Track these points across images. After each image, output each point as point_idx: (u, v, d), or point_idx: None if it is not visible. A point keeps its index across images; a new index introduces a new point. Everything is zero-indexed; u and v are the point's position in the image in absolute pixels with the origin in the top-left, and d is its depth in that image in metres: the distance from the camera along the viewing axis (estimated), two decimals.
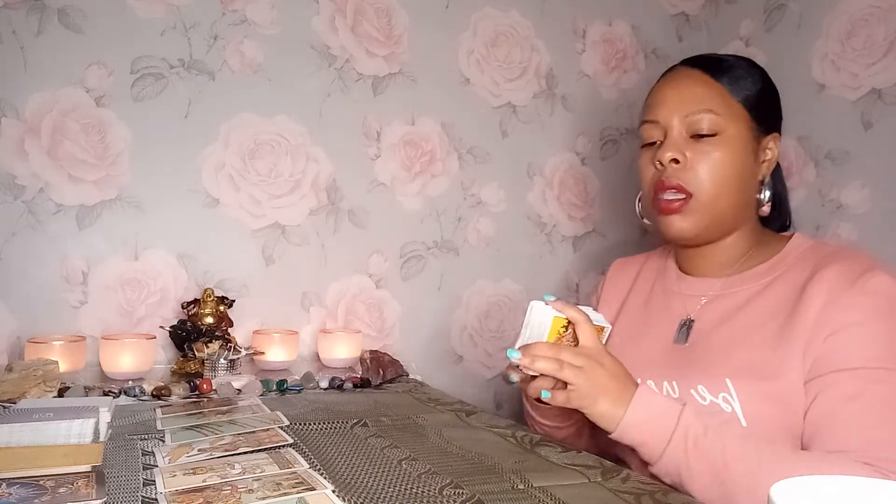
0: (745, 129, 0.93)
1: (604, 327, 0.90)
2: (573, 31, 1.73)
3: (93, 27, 1.33)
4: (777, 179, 1.01)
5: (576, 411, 0.96)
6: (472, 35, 1.63)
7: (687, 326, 0.96)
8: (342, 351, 1.39)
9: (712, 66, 0.95)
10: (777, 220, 1.02)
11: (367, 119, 1.54)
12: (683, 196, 0.92)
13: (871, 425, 0.77)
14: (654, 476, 0.81)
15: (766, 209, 0.96)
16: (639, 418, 0.81)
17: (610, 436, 0.83)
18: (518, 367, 0.86)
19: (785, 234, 0.99)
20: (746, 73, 0.95)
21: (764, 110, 0.95)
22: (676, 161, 0.92)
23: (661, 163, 0.93)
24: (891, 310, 0.81)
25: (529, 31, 1.68)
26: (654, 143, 0.96)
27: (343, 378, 1.17)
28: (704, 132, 0.92)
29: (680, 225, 0.93)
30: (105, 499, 0.59)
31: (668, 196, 0.93)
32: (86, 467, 0.66)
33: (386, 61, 1.55)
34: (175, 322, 1.34)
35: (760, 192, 0.96)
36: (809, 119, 1.53)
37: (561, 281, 1.74)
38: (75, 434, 0.75)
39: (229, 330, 1.34)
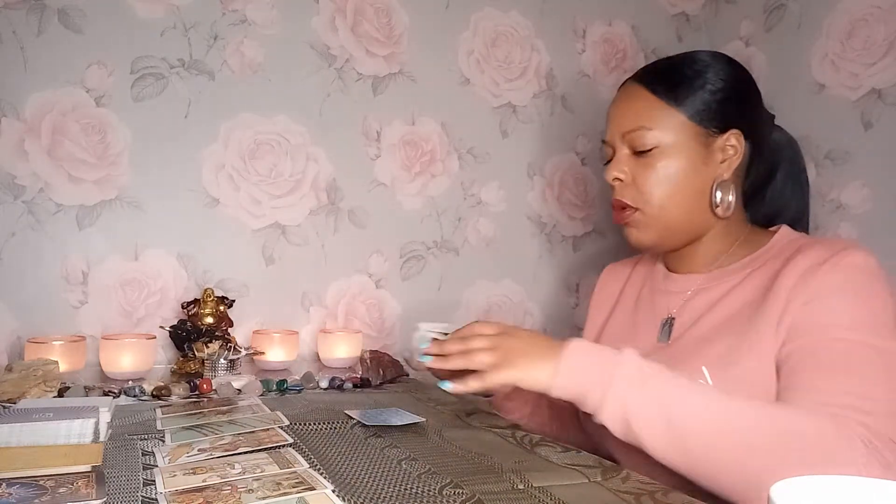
0: (686, 136, 0.93)
1: None
2: (573, 31, 1.73)
3: (93, 27, 1.33)
4: (756, 172, 1.00)
5: (525, 402, 1.03)
6: (472, 35, 1.63)
7: (668, 324, 0.97)
8: (342, 351, 1.39)
9: (651, 79, 0.97)
10: (760, 212, 1.02)
11: (367, 119, 1.54)
12: (632, 210, 0.96)
13: (827, 374, 0.76)
14: (618, 443, 0.77)
15: (720, 211, 0.94)
16: (574, 366, 0.77)
17: (551, 394, 0.78)
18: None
19: (773, 228, 0.99)
20: (694, 75, 0.94)
21: (715, 111, 0.93)
22: (619, 179, 0.97)
23: (608, 181, 0.99)
24: (860, 281, 0.81)
25: (529, 31, 1.68)
26: (609, 161, 1.01)
27: (343, 378, 1.17)
28: (642, 148, 0.94)
29: (637, 236, 0.98)
30: (105, 499, 0.59)
31: (621, 211, 0.98)
32: (86, 467, 0.66)
33: (386, 61, 1.55)
34: (175, 322, 1.34)
35: (722, 193, 0.95)
36: (809, 119, 1.52)
37: (561, 281, 1.74)
38: (75, 434, 0.75)
39: (229, 330, 1.34)
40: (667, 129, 0.93)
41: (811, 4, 1.55)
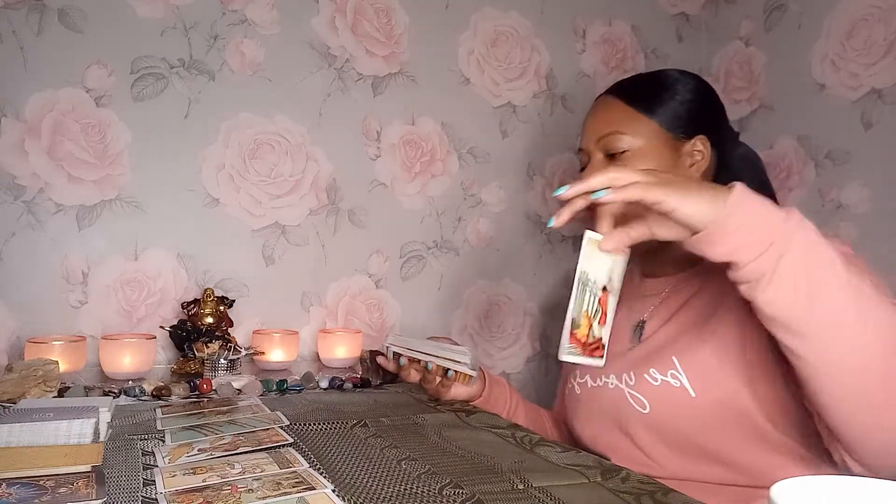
0: (657, 141, 0.98)
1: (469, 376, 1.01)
2: (573, 31, 1.73)
3: (93, 27, 1.33)
4: (722, 181, 1.02)
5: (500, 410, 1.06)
6: (472, 35, 1.63)
7: (640, 327, 1.00)
8: (342, 351, 1.39)
9: (624, 91, 1.02)
10: None
11: (367, 119, 1.54)
12: None
13: None
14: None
15: None
16: (749, 196, 0.68)
17: (701, 232, 0.69)
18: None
19: None
20: (664, 88, 1.00)
21: (683, 118, 0.99)
22: None
23: None
24: None
25: (529, 31, 1.68)
26: (583, 168, 1.04)
27: (343, 378, 1.17)
28: (616, 150, 0.98)
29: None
30: (105, 499, 0.59)
31: None
32: (86, 467, 0.66)
33: (386, 61, 1.55)
34: (175, 322, 1.34)
35: None
36: (809, 119, 1.53)
37: (561, 281, 1.73)
38: (75, 434, 0.75)
39: (229, 330, 1.34)
40: (638, 134, 0.98)
41: (811, 4, 1.55)
